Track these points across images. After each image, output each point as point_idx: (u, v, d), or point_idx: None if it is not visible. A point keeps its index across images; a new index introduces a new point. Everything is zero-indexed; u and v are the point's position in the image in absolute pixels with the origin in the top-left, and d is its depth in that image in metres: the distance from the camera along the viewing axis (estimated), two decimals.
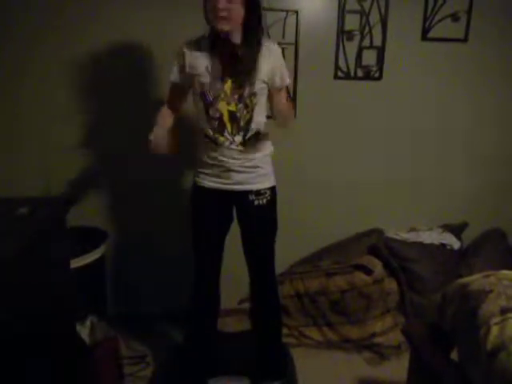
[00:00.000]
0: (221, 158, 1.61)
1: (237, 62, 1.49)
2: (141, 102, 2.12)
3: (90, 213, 2.22)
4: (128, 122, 2.15)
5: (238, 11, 1.45)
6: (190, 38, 1.59)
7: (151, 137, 1.56)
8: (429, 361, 1.30)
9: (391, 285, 2.21)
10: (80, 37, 2.03)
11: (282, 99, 1.64)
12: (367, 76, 2.27)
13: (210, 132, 1.59)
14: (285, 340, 2.11)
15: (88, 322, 1.86)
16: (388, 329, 2.18)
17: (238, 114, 1.57)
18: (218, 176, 1.64)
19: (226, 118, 1.57)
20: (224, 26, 1.45)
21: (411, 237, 2.38)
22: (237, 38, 1.48)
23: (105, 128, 2.16)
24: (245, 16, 1.48)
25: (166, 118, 1.67)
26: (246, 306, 2.36)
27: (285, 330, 2.16)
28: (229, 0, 1.41)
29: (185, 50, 1.56)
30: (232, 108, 1.56)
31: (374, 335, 2.16)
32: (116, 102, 2.13)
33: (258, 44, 1.53)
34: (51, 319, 1.43)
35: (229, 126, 1.58)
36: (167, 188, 2.26)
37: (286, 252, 2.17)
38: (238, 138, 1.59)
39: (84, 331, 1.84)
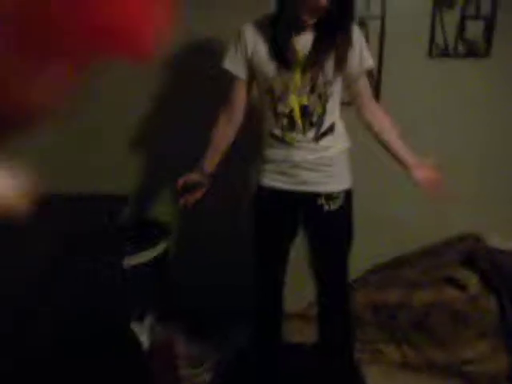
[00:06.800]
0: (289, 155, 1.40)
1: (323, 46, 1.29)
2: (199, 101, 1.97)
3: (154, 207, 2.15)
4: (186, 118, 2.02)
5: None
6: (254, 20, 1.37)
7: (178, 183, 1.43)
8: None
9: (489, 304, 1.85)
10: None
11: (366, 88, 1.43)
12: (470, 53, 1.88)
13: (278, 131, 1.38)
14: (357, 356, 1.88)
15: (147, 322, 1.80)
16: (483, 355, 1.84)
17: (311, 108, 1.33)
18: (284, 173, 1.42)
19: (296, 113, 1.34)
20: (311, 20, 1.24)
21: None
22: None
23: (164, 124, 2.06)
24: None
25: (220, 139, 1.47)
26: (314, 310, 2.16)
27: (357, 345, 1.93)
28: None
29: (247, 35, 1.34)
30: (304, 101, 1.32)
31: (465, 361, 1.83)
32: (177, 104, 2.02)
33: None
34: (102, 321, 1.36)
35: (300, 122, 1.35)
36: (233, 186, 2.09)
37: (361, 255, 1.91)
38: (311, 135, 1.36)
39: (142, 331, 1.78)
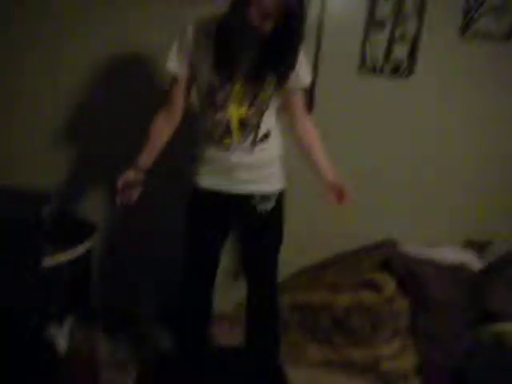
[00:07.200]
0: (225, 157, 1.40)
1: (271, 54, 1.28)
2: (137, 99, 1.92)
3: (83, 205, 2.06)
4: (121, 115, 1.98)
5: None
6: (200, 19, 1.33)
7: (119, 182, 1.37)
8: None
9: (403, 306, 2.00)
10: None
11: (299, 102, 1.48)
12: (396, 71, 2.02)
13: (215, 135, 1.38)
14: (282, 357, 1.92)
15: (67, 323, 1.70)
16: (396, 353, 1.97)
17: (249, 119, 1.35)
18: (219, 174, 1.43)
19: (234, 123, 1.35)
20: (267, 27, 1.21)
21: (428, 253, 2.16)
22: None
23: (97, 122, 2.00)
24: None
25: (157, 137, 1.43)
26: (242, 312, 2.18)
27: (282, 346, 1.97)
28: None
29: (191, 36, 1.31)
30: (242, 113, 1.33)
31: (380, 359, 1.96)
32: (111, 99, 1.97)
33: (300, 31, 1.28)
34: (17, 323, 1.27)
35: (237, 131, 1.36)
36: (166, 183, 2.05)
37: (287, 258, 1.97)
38: (247, 142, 1.39)
39: (61, 333, 1.68)
